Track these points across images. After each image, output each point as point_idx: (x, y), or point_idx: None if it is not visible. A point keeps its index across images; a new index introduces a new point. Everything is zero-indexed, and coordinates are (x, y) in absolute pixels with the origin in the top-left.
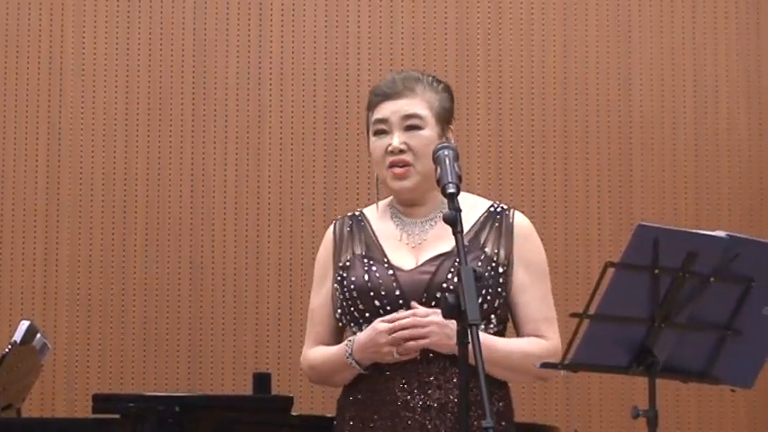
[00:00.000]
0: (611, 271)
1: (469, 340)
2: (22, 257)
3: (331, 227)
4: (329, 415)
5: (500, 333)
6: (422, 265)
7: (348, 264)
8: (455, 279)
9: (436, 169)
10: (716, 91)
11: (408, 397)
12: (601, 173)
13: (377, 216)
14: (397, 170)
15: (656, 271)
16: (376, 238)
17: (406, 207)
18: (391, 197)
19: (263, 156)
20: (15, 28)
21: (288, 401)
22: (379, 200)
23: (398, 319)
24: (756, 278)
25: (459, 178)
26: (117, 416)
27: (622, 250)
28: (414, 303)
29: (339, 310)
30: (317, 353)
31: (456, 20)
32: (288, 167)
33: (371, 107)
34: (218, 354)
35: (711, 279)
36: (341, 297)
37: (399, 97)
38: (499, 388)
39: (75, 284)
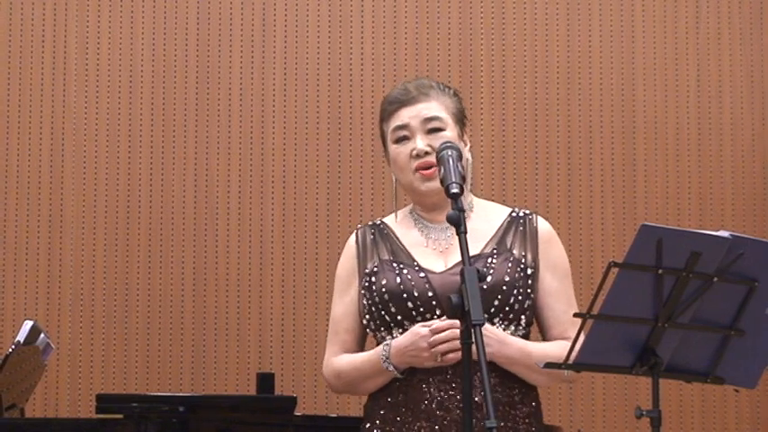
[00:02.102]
0: (614, 271)
1: (473, 340)
2: (25, 258)
3: (352, 236)
4: (332, 415)
5: (526, 335)
6: (452, 267)
7: (376, 269)
8: (487, 279)
9: (440, 169)
10: (719, 91)
11: (444, 396)
12: (604, 174)
13: (398, 224)
14: (425, 171)
15: (660, 271)
16: (402, 244)
17: (428, 212)
18: (410, 205)
19: (267, 160)
20: (19, 30)
21: (291, 401)
22: (397, 209)
23: (441, 327)
24: (760, 278)
25: (463, 178)
26: (120, 416)
27: (626, 250)
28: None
29: (367, 316)
30: (342, 360)
31: (459, 25)
32: (291, 172)
33: (387, 117)
34: (221, 354)
35: (715, 279)
36: (369, 303)
37: (416, 102)
38: (531, 389)
39: (78, 285)
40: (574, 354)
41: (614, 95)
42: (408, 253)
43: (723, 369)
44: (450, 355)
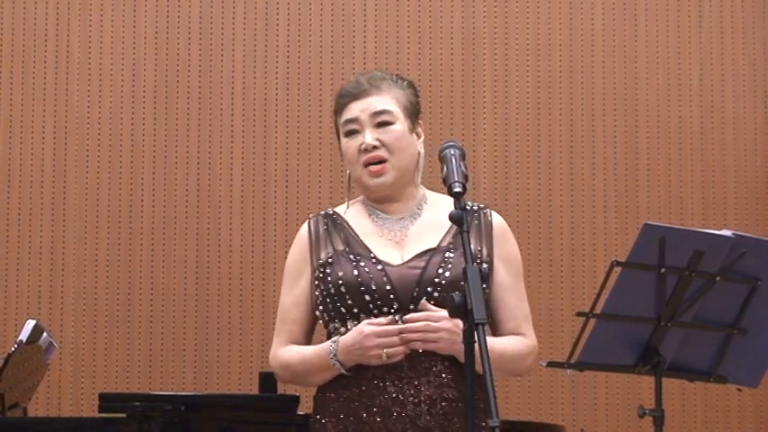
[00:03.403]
0: (617, 270)
1: (476, 339)
2: (28, 256)
3: (305, 225)
4: None
5: None
6: (410, 260)
7: (330, 260)
8: (445, 274)
9: (442, 168)
10: (722, 88)
11: (398, 392)
12: (607, 171)
13: (351, 214)
14: (374, 168)
15: (663, 270)
16: (356, 234)
17: (381, 204)
18: (362, 196)
19: (269, 155)
20: (21, 26)
21: (294, 400)
22: (349, 199)
23: (388, 332)
24: (762, 277)
25: (466, 177)
26: (123, 415)
27: (629, 249)
28: (426, 304)
29: (321, 307)
30: (291, 352)
31: (462, 17)
32: (294, 168)
33: (339, 110)
34: (224, 353)
35: (717, 278)
36: (324, 294)
37: (366, 95)
38: (482, 387)
39: (81, 284)
40: (577, 353)
41: (617, 93)
42: (363, 244)
43: (726, 368)
44: (397, 350)
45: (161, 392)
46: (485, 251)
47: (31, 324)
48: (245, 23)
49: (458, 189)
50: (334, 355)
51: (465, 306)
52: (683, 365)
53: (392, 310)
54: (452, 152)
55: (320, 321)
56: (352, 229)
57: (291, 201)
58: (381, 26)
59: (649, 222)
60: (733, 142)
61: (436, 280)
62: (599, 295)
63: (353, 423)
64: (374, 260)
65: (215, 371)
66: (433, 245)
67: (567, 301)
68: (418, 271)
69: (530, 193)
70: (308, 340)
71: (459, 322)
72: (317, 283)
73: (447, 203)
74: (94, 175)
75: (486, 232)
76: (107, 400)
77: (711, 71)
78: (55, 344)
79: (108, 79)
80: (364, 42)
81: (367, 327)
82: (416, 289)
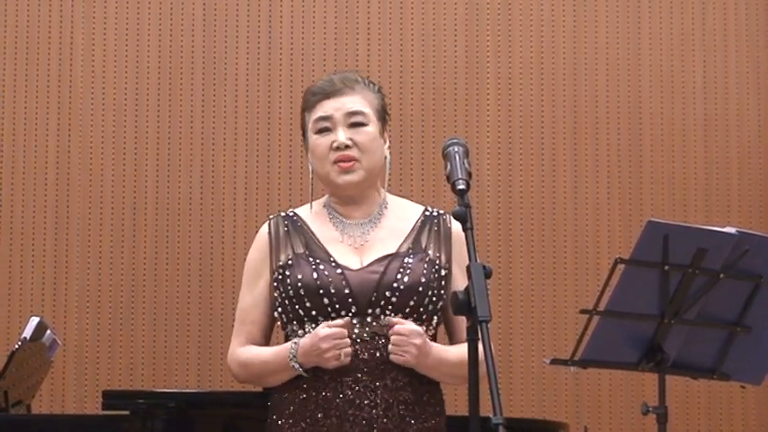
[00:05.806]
0: (621, 267)
1: (479, 337)
2: (32, 254)
3: (265, 226)
4: None
5: (435, 335)
6: (369, 265)
7: (290, 262)
8: (404, 279)
9: (446, 165)
10: (726, 85)
11: (355, 395)
12: (611, 169)
13: (312, 217)
14: (344, 164)
15: (666, 267)
16: (317, 239)
17: (344, 207)
18: (325, 197)
19: (273, 153)
20: (25, 21)
21: None
22: (312, 199)
23: (345, 326)
24: (766, 275)
25: (470, 174)
26: (126, 412)
27: (632, 246)
28: (393, 319)
29: (279, 309)
30: (249, 352)
31: (465, 12)
32: (297, 165)
33: (310, 107)
34: (227, 350)
35: (721, 275)
36: (283, 295)
37: (340, 95)
38: (438, 390)
39: (85, 281)
40: (580, 350)
41: (620, 90)
42: (324, 248)
43: (729, 366)
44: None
45: (164, 390)
46: (443, 258)
47: (34, 321)
48: (248, 20)
49: (461, 186)
50: (294, 357)
51: (468, 304)
52: (686, 363)
53: (350, 314)
54: (456, 149)
55: (279, 323)
56: (312, 233)
57: (295, 198)
58: (384, 20)
59: (653, 220)
60: (736, 140)
61: (395, 285)
62: (602, 292)
63: (309, 425)
64: (333, 264)
65: (218, 368)
66: (392, 250)
67: (571, 298)
68: (377, 276)
69: (533, 190)
70: (266, 340)
71: (429, 342)
72: (276, 284)
73: (409, 209)
74: (98, 173)
75: (445, 239)
76: (110, 398)
77: (715, 63)
78: (58, 341)
79: (111, 76)
80: (368, 37)
81: (322, 329)
82: (375, 293)
